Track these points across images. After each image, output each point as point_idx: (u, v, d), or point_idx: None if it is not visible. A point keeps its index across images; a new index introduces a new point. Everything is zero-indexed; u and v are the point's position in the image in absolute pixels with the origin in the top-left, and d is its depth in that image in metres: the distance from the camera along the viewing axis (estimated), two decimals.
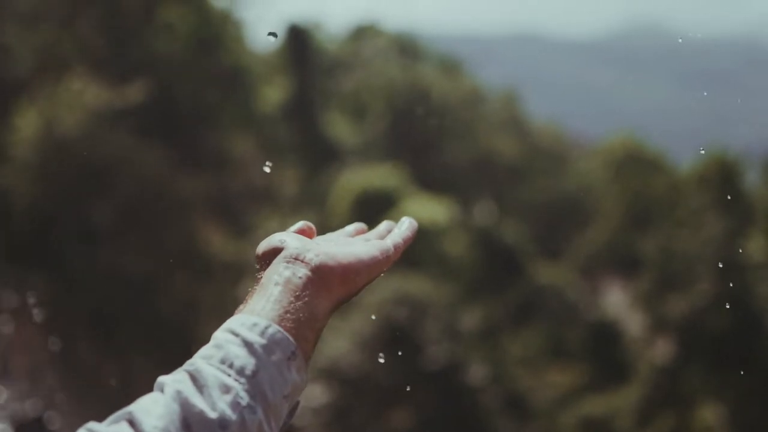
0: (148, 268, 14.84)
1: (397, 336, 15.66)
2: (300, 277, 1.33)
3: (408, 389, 15.90)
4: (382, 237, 1.56)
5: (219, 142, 17.77)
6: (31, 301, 12.86)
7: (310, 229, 1.51)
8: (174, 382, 1.21)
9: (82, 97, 15.35)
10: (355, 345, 15.53)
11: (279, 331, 1.26)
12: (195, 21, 18.23)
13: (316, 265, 1.35)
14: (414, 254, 17.41)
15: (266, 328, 1.26)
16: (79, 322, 14.61)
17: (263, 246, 1.42)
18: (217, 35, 18.89)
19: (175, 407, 1.17)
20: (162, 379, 1.22)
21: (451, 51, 32.77)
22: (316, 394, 15.20)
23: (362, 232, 1.61)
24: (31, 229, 14.43)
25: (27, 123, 14.96)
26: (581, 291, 22.13)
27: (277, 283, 1.32)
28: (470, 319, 17.99)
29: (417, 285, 16.22)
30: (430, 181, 21.43)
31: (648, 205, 21.81)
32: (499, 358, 17.91)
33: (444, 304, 16.80)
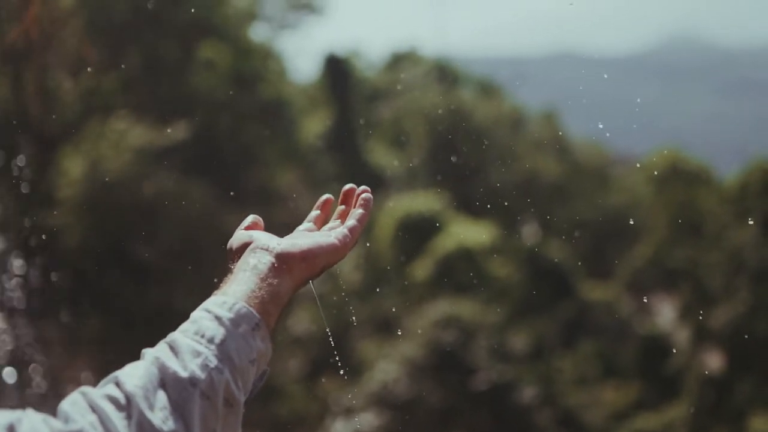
0: (198, 304, 14.95)
1: (447, 359, 15.71)
2: (264, 263, 1.57)
3: (460, 411, 15.92)
4: (344, 214, 1.84)
5: (263, 175, 17.92)
6: (84, 340, 13.01)
7: (259, 221, 1.80)
8: (154, 351, 1.44)
9: (126, 137, 15.56)
10: (405, 369, 15.59)
11: (244, 306, 1.49)
12: (234, 56, 18.43)
13: (278, 252, 1.59)
14: (461, 277, 17.44)
15: (234, 304, 1.49)
16: (131, 360, 14.73)
17: (234, 242, 1.69)
18: (256, 69, 19.08)
19: (153, 370, 1.40)
20: (145, 350, 1.46)
21: (487, 74, 32.82)
22: (369, 419, 15.25)
23: (322, 217, 1.88)
24: (81, 269, 14.62)
25: (74, 165, 15.17)
26: (630, 307, 22.05)
27: (245, 270, 1.57)
28: (520, 339, 17.99)
29: (465, 308, 16.25)
30: (475, 205, 21.45)
31: (694, 217, 21.69)
32: (550, 377, 17.88)
33: (493, 326, 16.82)
